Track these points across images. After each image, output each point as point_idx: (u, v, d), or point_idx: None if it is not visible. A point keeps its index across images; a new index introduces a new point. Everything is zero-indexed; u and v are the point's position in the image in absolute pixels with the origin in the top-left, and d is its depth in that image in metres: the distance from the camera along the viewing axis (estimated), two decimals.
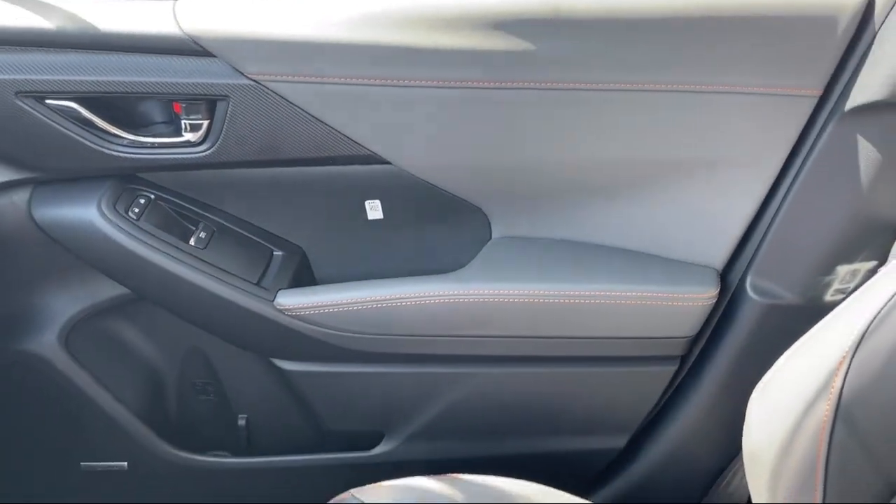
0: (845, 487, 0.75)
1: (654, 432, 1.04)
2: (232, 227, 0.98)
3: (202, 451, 1.08)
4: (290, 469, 1.07)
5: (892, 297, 0.72)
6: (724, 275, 0.94)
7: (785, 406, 0.77)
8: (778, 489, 0.78)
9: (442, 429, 1.03)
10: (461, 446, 1.05)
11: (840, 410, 0.73)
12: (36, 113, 0.85)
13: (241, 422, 1.10)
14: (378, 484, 0.85)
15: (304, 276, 1.00)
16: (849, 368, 0.72)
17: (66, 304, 0.98)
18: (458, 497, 0.83)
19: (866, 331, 0.71)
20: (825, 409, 0.75)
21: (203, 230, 0.95)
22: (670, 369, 0.99)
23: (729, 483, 1.04)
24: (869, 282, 0.74)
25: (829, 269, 0.88)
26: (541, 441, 1.04)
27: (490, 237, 0.99)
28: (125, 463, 1.06)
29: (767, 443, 0.79)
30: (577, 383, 1.00)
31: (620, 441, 1.04)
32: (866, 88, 0.82)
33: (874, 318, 0.71)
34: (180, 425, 1.09)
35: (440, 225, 0.98)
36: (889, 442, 0.72)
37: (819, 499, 0.75)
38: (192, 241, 0.94)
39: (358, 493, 0.85)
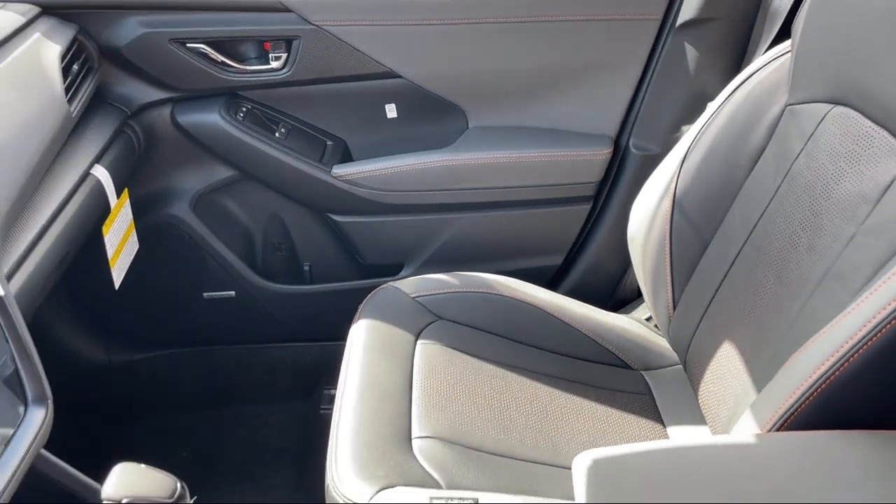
0: (681, 250, 1.17)
1: (580, 252, 1.50)
2: (300, 126, 1.43)
3: (282, 283, 1.53)
4: (339, 291, 1.52)
5: (703, 127, 1.14)
6: (616, 139, 1.40)
7: (647, 205, 1.20)
8: (646, 256, 1.20)
9: (441, 257, 1.49)
10: (452, 269, 1.50)
11: (675, 202, 1.16)
12: (180, 53, 1.30)
13: (306, 267, 1.55)
14: (405, 279, 1.29)
15: (346, 157, 1.45)
16: (679, 174, 1.15)
17: (194, 183, 1.43)
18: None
19: (688, 150, 1.14)
20: (668, 203, 1.18)
21: (283, 127, 1.40)
22: (586, 207, 1.45)
23: (627, 281, 1.49)
24: (690, 128, 1.16)
25: (676, 129, 1.34)
26: (504, 262, 1.48)
27: (467, 127, 1.44)
28: (233, 292, 1.52)
29: (638, 229, 1.21)
30: (525, 220, 1.46)
31: (558, 259, 1.50)
32: (687, 10, 1.27)
33: (693, 141, 1.14)
34: (266, 268, 1.54)
35: (435, 118, 1.43)
36: (703, 217, 1.14)
37: (667, 257, 1.18)
38: (276, 135, 1.39)
39: (394, 283, 1.29)
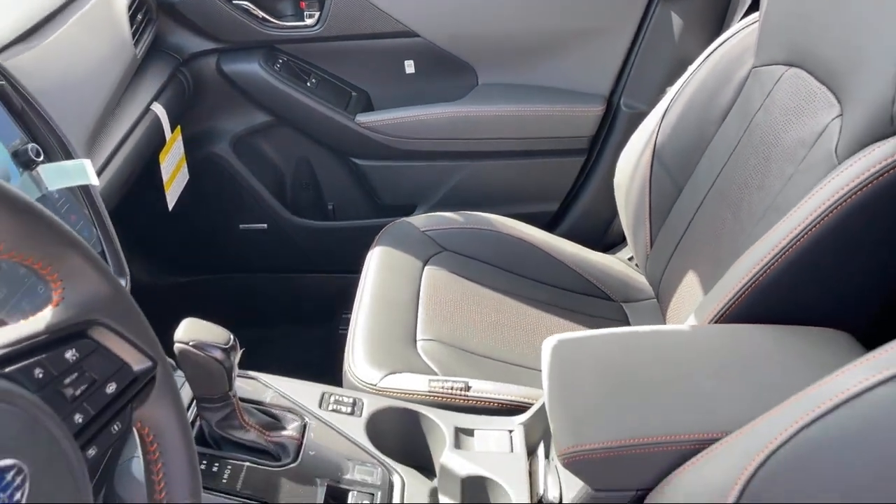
0: (659, 195, 1.31)
1: (574, 199, 1.65)
2: (329, 77, 1.59)
3: (308, 218, 1.70)
4: (359, 228, 1.68)
5: (681, 88, 1.29)
6: (608, 98, 1.55)
7: (631, 156, 1.34)
8: (629, 201, 1.35)
9: (449, 200, 1.65)
10: (460, 210, 1.66)
11: (655, 154, 1.31)
12: (226, 8, 1.46)
13: (330, 207, 1.72)
14: (416, 216, 1.45)
15: (369, 107, 1.61)
16: (659, 129, 1.30)
17: (234, 125, 1.60)
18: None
19: (668, 107, 1.28)
20: (649, 154, 1.32)
21: (313, 78, 1.56)
22: (581, 158, 1.60)
23: (615, 226, 1.65)
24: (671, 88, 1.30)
25: (662, 89, 1.48)
26: (507, 207, 1.62)
27: (477, 83, 1.60)
28: (265, 225, 1.69)
29: (623, 177, 1.36)
30: (526, 169, 1.61)
31: (554, 206, 1.66)
32: None
33: (672, 99, 1.28)
34: (295, 204, 1.71)
35: (448, 75, 1.58)
36: (678, 166, 1.29)
37: (647, 202, 1.33)
38: (307, 85, 1.55)
39: (406, 219, 1.45)
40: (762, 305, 0.89)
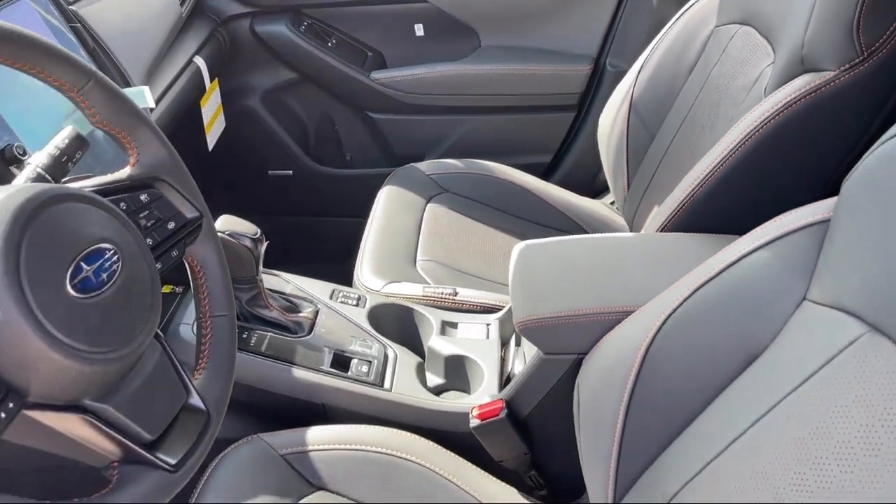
0: (635, 143, 1.46)
1: (566, 151, 1.82)
2: (348, 39, 1.77)
3: (328, 166, 1.89)
4: (373, 176, 1.84)
5: (655, 46, 1.45)
6: (596, 58, 1.71)
7: (612, 109, 1.50)
8: (610, 149, 1.51)
9: (454, 152, 1.82)
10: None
11: (632, 106, 1.46)
12: None
13: (348, 156, 1.91)
14: (422, 162, 1.63)
15: (383, 66, 1.79)
16: (635, 84, 1.45)
17: (264, 81, 1.79)
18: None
19: (643, 64, 1.44)
20: (626, 106, 1.48)
21: (334, 39, 1.75)
22: (571, 114, 1.76)
23: (601, 175, 1.81)
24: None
25: (643, 51, 1.63)
26: (505, 158, 1.77)
27: (480, 45, 1.76)
28: (291, 171, 1.88)
29: (605, 128, 1.52)
30: (522, 123, 1.78)
31: (547, 157, 1.83)
32: None
33: (647, 57, 1.44)
34: (317, 154, 1.90)
35: (453, 37, 1.75)
36: (651, 117, 1.44)
37: (625, 150, 1.48)
38: (328, 45, 1.74)
39: (415, 164, 1.63)
40: (698, 216, 1.05)
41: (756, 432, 0.69)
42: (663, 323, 0.81)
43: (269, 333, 1.03)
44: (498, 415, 0.94)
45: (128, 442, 0.56)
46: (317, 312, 1.09)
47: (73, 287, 0.53)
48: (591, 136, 1.75)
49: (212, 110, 1.60)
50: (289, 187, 1.90)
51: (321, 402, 0.99)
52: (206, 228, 0.72)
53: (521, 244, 1.05)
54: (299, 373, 0.99)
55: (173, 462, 0.58)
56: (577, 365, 0.93)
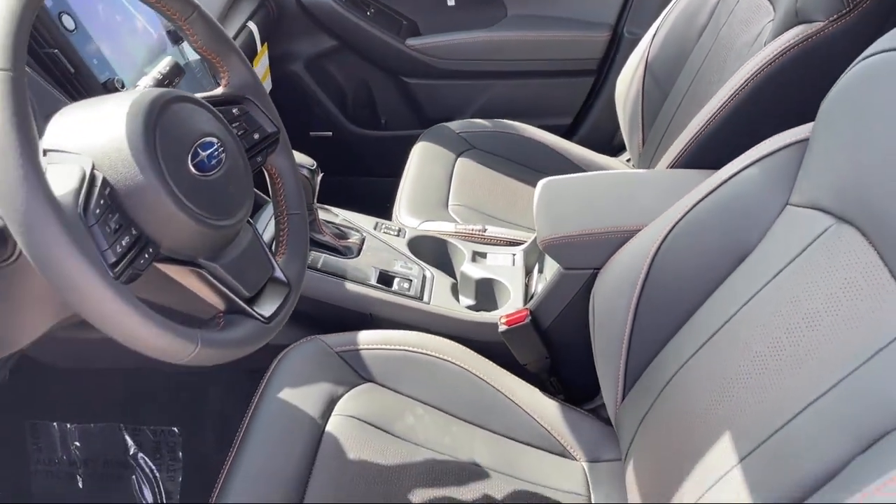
0: (649, 102, 1.58)
1: (586, 114, 1.94)
2: (384, 8, 1.90)
3: (365, 128, 2.03)
4: (406, 137, 1.96)
5: (668, 11, 1.57)
6: (615, 26, 1.82)
7: (628, 70, 1.62)
8: (626, 109, 1.63)
9: (481, 114, 1.94)
10: None
11: (647, 67, 1.58)
12: None
13: (383, 120, 2.04)
14: (454, 122, 1.76)
15: (416, 33, 1.92)
16: (650, 48, 1.57)
17: (307, 48, 1.92)
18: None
19: (657, 28, 1.56)
20: (642, 68, 1.59)
21: (372, 8, 1.88)
22: (591, 79, 1.88)
23: (618, 135, 1.92)
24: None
25: (656, 18, 1.74)
26: (529, 120, 1.91)
27: (506, 14, 1.88)
28: (330, 132, 2.02)
29: (622, 89, 1.63)
30: (545, 87, 1.90)
31: (568, 119, 1.95)
32: None
33: (661, 22, 1.55)
34: (355, 116, 2.03)
35: (482, 6, 1.88)
36: (665, 76, 1.56)
37: (640, 109, 1.59)
38: (367, 14, 1.87)
39: (445, 123, 1.75)
40: (702, 153, 1.17)
41: (740, 317, 0.82)
42: (667, 235, 0.94)
43: (324, 255, 1.17)
44: (524, 321, 1.07)
45: (232, 295, 0.70)
46: (363, 239, 1.23)
47: (194, 166, 0.67)
48: (609, 99, 1.87)
49: (261, 71, 1.74)
50: (328, 147, 2.04)
51: (369, 311, 1.13)
52: (282, 142, 0.86)
53: (544, 179, 1.17)
54: (350, 286, 1.12)
55: (267, 315, 0.72)
56: (593, 279, 1.05)
